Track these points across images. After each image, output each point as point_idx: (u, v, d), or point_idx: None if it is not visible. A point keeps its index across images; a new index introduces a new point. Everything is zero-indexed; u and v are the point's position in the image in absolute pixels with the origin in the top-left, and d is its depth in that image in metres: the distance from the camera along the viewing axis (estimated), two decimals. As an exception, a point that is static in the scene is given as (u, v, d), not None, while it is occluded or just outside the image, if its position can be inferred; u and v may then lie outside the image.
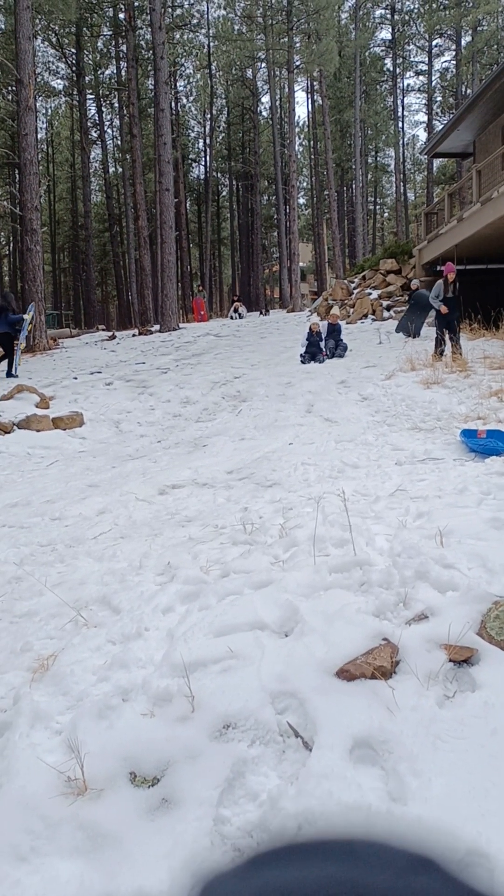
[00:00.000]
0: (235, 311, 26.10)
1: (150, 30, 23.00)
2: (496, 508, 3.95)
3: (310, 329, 13.24)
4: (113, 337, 22.40)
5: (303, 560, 3.42)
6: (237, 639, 2.62)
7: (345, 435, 7.33)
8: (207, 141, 43.01)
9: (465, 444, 6.00)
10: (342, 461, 6.05)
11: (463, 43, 37.49)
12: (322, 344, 12.86)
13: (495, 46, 38.63)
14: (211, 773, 2.01)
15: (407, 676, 2.31)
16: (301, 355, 13.09)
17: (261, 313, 27.47)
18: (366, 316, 18.89)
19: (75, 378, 12.74)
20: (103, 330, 28.08)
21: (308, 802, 1.87)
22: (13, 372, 12.82)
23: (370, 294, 19.58)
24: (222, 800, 1.96)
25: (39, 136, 39.47)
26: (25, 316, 13.23)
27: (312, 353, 12.89)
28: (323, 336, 13.01)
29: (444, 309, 11.13)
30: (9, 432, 8.55)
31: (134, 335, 21.91)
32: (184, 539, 4.26)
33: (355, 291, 20.64)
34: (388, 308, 18.75)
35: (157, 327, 22.45)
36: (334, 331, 13.46)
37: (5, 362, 12.93)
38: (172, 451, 7.74)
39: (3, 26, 30.82)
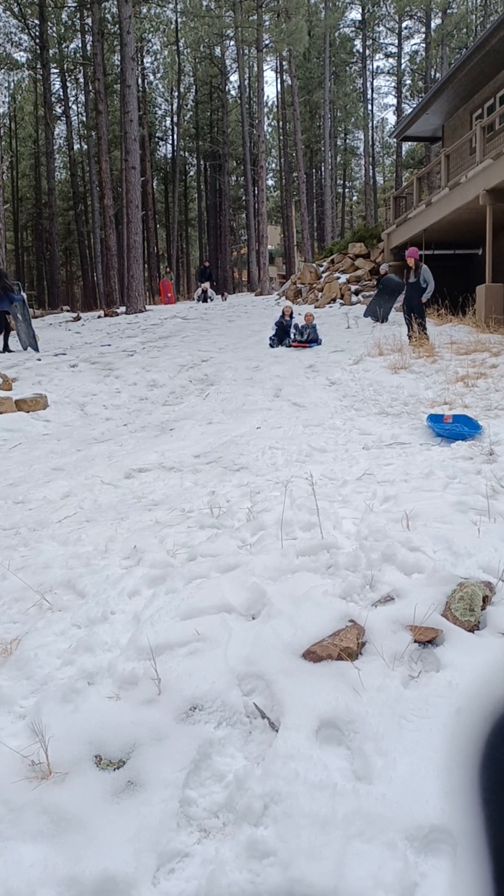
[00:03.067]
0: (204, 293, 25.82)
1: (116, 3, 22.46)
2: (461, 492, 4.00)
3: (282, 312, 13.26)
4: (78, 318, 22.04)
5: (270, 543, 3.42)
6: (204, 622, 2.62)
7: (313, 419, 7.35)
8: (175, 119, 42.35)
9: (432, 428, 6.06)
10: (310, 445, 6.07)
11: (433, 26, 37.37)
12: (292, 331, 12.73)
13: (465, 30, 38.63)
14: (177, 755, 2.01)
15: (373, 657, 2.34)
16: (270, 338, 13.06)
17: (223, 297, 27.11)
18: (334, 300, 18.89)
19: (39, 360, 12.52)
20: (68, 311, 27.58)
21: (274, 783, 1.88)
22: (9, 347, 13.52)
23: (339, 278, 19.57)
24: (188, 781, 1.97)
25: (1, 110, 38.51)
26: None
27: (281, 337, 12.87)
28: (292, 328, 12.88)
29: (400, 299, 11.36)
30: (-29, 414, 8.38)
31: (99, 317, 21.58)
32: (150, 523, 4.23)
33: (324, 275, 20.61)
34: (357, 292, 18.77)
35: (123, 309, 22.14)
36: (307, 327, 12.90)
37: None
38: (139, 435, 7.68)
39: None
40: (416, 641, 2.39)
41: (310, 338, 12.40)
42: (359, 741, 2.01)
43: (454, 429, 5.86)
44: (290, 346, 12.48)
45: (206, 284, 26.39)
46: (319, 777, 1.88)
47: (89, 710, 2.20)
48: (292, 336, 12.60)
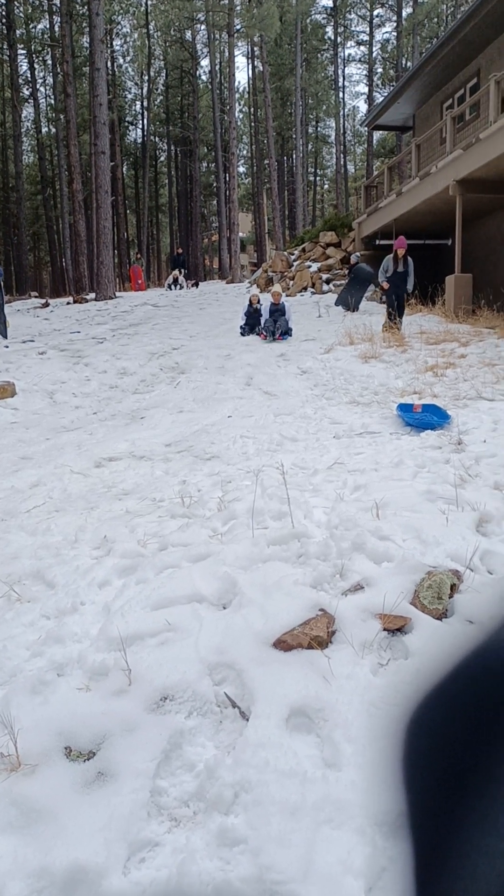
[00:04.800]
0: (175, 280, 25.60)
1: (84, -17, 22.03)
2: (430, 481, 4.04)
3: (249, 301, 13.16)
4: (46, 304, 21.74)
5: (241, 533, 3.43)
6: (175, 612, 2.62)
7: (284, 408, 7.36)
8: (145, 103, 41.81)
9: (402, 418, 6.12)
10: (281, 434, 6.08)
11: (404, 14, 37.38)
12: (262, 319, 12.52)
13: (435, 19, 38.72)
14: (148, 746, 2.01)
15: (343, 646, 2.36)
16: (241, 327, 13.00)
17: (195, 285, 26.83)
18: (305, 289, 18.90)
19: (7, 346, 12.33)
20: (36, 297, 27.17)
21: (245, 771, 1.89)
22: None
23: (310, 267, 19.57)
24: (159, 771, 1.97)
25: (-33, 90, 37.58)
26: None
27: (252, 325, 12.82)
28: (263, 314, 12.59)
29: (384, 285, 11.26)
30: None
31: (68, 303, 21.30)
32: (121, 512, 4.21)
33: (295, 263, 20.59)
34: (328, 281, 18.80)
35: (92, 295, 21.87)
36: (276, 310, 12.18)
37: None
38: (109, 423, 7.61)
39: None
40: (385, 630, 2.42)
41: (282, 330, 11.99)
42: (328, 729, 2.03)
43: (423, 418, 5.93)
44: (260, 336, 12.30)
45: (177, 272, 26.19)
46: (289, 765, 1.90)
47: (59, 701, 2.19)
48: (263, 324, 12.28)
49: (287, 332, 12.00)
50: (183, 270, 26.78)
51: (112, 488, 4.92)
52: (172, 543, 3.43)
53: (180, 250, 29.81)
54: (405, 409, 6.32)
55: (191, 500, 4.22)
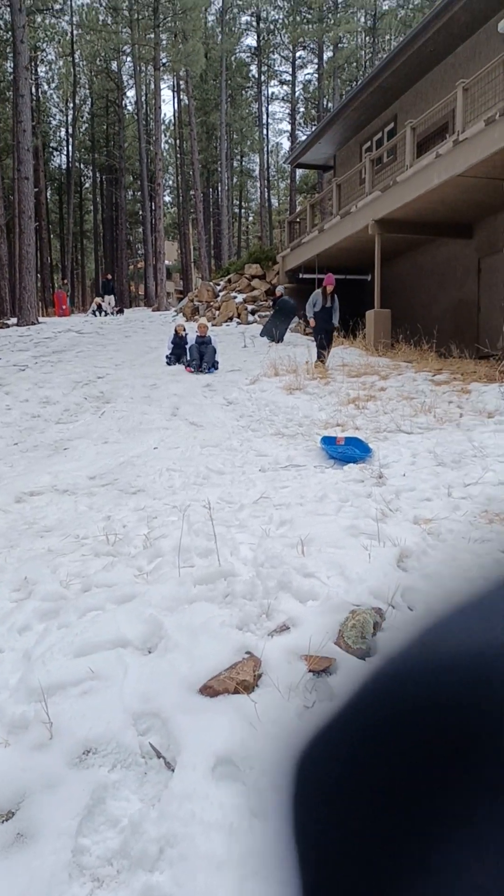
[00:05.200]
0: (98, 307, 25.38)
1: (9, 10, 21.89)
2: (353, 516, 4.13)
3: (175, 331, 13.20)
4: (-35, 330, 21.11)
5: (167, 572, 3.40)
6: (99, 658, 2.56)
7: (210, 440, 7.38)
8: (70, 130, 41.64)
9: (325, 450, 6.24)
10: (207, 467, 6.09)
11: (325, 57, 38.91)
12: (188, 348, 12.53)
13: (355, 64, 40.47)
14: (70, 802, 1.95)
15: (269, 689, 2.36)
16: (167, 356, 13.01)
17: (120, 311, 26.60)
18: (231, 319, 19.12)
19: None
20: (-46, 321, 26.35)
21: (170, 825, 1.86)
22: None
23: (235, 298, 19.84)
24: (81, 829, 1.91)
25: None
26: None
27: (178, 354, 12.84)
28: (188, 343, 12.59)
29: (312, 321, 11.47)
30: None
31: (-11, 328, 20.78)
32: (43, 551, 4.09)
33: (221, 294, 20.83)
34: (253, 312, 19.10)
35: (14, 321, 21.41)
36: (203, 342, 12.17)
37: None
38: (30, 455, 7.44)
39: None
40: (310, 671, 2.44)
41: (209, 363, 11.96)
42: (254, 777, 2.02)
43: (346, 451, 6.06)
44: (186, 369, 12.22)
45: (102, 298, 25.98)
46: (215, 816, 1.87)
47: (-25, 759, 2.09)
48: (189, 357, 12.22)
49: (213, 366, 12.01)
50: (112, 296, 26.61)
51: (33, 525, 4.79)
52: (96, 584, 3.36)
53: (109, 276, 29.60)
54: (329, 441, 6.45)
55: (116, 538, 4.16)
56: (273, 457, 6.37)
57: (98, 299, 26.25)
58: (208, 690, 2.32)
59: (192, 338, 12.47)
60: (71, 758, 2.09)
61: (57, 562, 3.82)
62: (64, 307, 27.38)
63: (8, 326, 20.49)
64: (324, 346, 11.49)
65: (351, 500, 4.56)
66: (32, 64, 34.63)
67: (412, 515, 4.13)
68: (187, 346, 12.59)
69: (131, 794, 2.01)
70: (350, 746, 0.37)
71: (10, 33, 24.31)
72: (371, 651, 2.58)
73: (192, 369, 11.83)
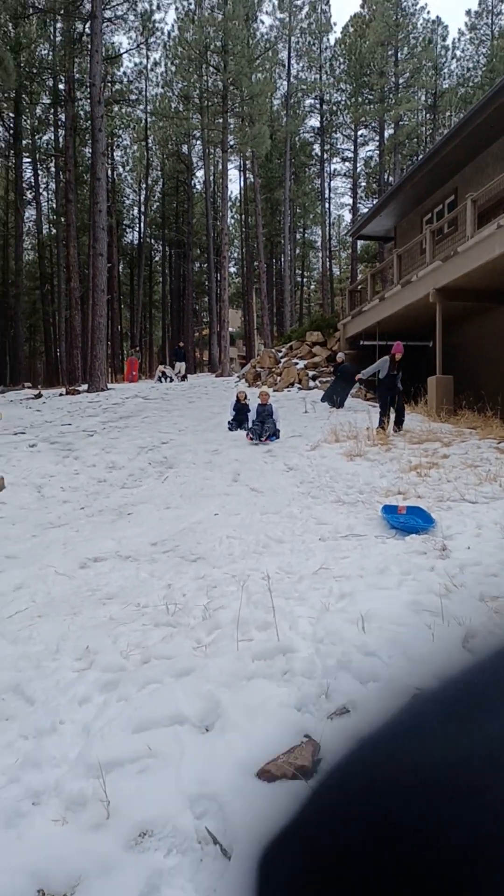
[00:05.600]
0: (163, 374, 26.21)
1: (89, 102, 23.66)
2: (415, 591, 4.04)
3: (237, 397, 13.44)
4: (39, 395, 22.03)
5: (226, 645, 3.38)
6: (156, 735, 2.55)
7: (270, 506, 7.39)
8: (142, 209, 44.03)
9: (387, 520, 6.15)
10: (267, 535, 6.08)
11: (386, 135, 40.26)
12: (249, 416, 12.63)
13: (415, 140, 41.66)
14: (124, 888, 1.92)
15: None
16: (229, 423, 13.22)
17: (183, 378, 27.24)
18: (292, 385, 19.36)
19: (-3, 439, 12.44)
20: (29, 388, 27.60)
21: (225, 919, 1.81)
22: None
23: (297, 364, 20.14)
24: (136, 918, 1.87)
25: (-28, 193, 39.50)
26: None
27: (239, 420, 13.04)
28: (250, 411, 12.66)
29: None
30: None
31: (61, 394, 21.63)
32: (104, 619, 4.15)
33: (282, 360, 21.19)
34: (314, 378, 19.30)
35: (85, 387, 22.27)
36: (264, 411, 11.90)
37: None
38: (96, 520, 7.60)
39: None
40: (371, 757, 2.36)
41: (269, 432, 11.64)
42: (313, 869, 1.95)
43: (408, 521, 5.97)
44: (248, 437, 11.96)
45: (166, 365, 26.77)
46: (272, 911, 1.81)
47: (34, 836, 2.09)
48: (250, 426, 12.04)
49: (274, 434, 11.80)
50: (183, 363, 27.36)
51: (96, 591, 4.87)
52: (156, 656, 3.38)
53: (181, 343, 30.35)
54: (390, 510, 6.37)
55: (175, 607, 4.18)
56: (333, 525, 6.32)
57: (161, 367, 27.08)
58: (266, 775, 2.27)
59: (253, 406, 12.39)
60: (127, 840, 2.07)
61: (118, 631, 3.85)
62: (134, 373, 28.30)
63: (79, 393, 21.30)
64: (386, 411, 11.44)
65: (413, 574, 4.46)
66: (109, 149, 37.07)
67: (478, 592, 4.00)
68: (249, 414, 12.75)
69: (186, 883, 1.97)
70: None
71: (89, 122, 26.21)
72: (434, 738, 2.49)
73: (253, 438, 11.62)
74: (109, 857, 1.99)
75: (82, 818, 2.16)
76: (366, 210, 22.50)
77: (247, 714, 2.59)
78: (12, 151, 34.39)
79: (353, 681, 2.82)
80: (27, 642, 3.83)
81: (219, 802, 2.17)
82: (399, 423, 11.37)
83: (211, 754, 2.39)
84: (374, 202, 20.88)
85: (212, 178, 39.11)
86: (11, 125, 33.95)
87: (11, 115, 33.67)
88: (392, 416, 11.43)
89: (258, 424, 11.73)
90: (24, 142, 34.76)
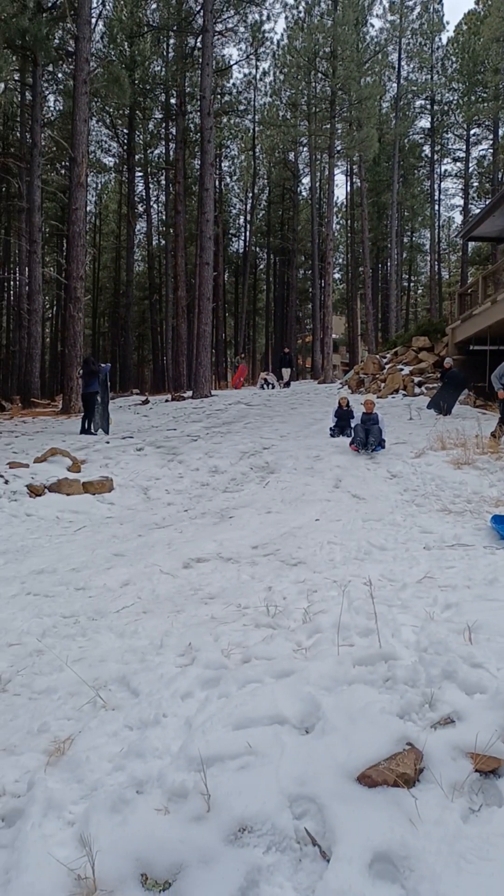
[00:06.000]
0: (266, 381, 26.46)
1: (199, 114, 24.32)
2: (526, 603, 3.86)
3: (339, 403, 13.34)
4: (146, 401, 22.82)
5: (326, 649, 3.36)
6: (256, 733, 2.56)
7: (372, 513, 7.28)
8: (248, 218, 44.76)
9: (497, 530, 5.91)
10: (369, 542, 5.99)
11: (500, 132, 38.88)
12: (353, 426, 12.41)
13: (532, 137, 40.03)
14: (224, 881, 1.94)
15: (431, 786, 2.23)
16: (331, 429, 13.14)
17: (285, 384, 27.19)
18: (397, 391, 19.03)
19: (108, 442, 12.95)
20: (137, 394, 28.64)
21: (324, 922, 1.79)
22: (92, 429, 14.46)
23: (402, 370, 19.77)
24: (236, 910, 1.89)
25: (88, 208, 41.52)
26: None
27: (342, 427, 12.93)
28: (353, 417, 12.40)
29: (501, 394, 11.00)
30: (40, 495, 8.67)
31: (167, 400, 22.31)
32: (206, 618, 4.22)
33: (387, 366, 20.86)
34: (420, 384, 18.88)
35: (189, 393, 22.84)
36: (369, 419, 11.28)
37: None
38: (198, 522, 7.75)
39: (62, 108, 32.89)
40: (476, 771, 2.28)
41: (375, 442, 10.92)
42: (414, 880, 1.90)
43: (520, 532, 5.72)
44: (351, 446, 11.40)
45: (268, 373, 26.97)
46: (372, 919, 1.78)
47: (138, 822, 2.16)
48: (354, 436, 11.43)
49: (380, 444, 11.14)
50: (289, 369, 27.41)
51: (198, 591, 4.97)
52: (256, 656, 3.40)
53: (287, 349, 30.32)
54: (500, 521, 6.12)
55: (276, 610, 4.20)
56: (439, 534, 6.14)
57: (264, 374, 27.30)
58: (366, 780, 2.24)
59: (358, 415, 11.91)
60: (227, 834, 2.09)
61: (219, 630, 3.91)
62: (240, 379, 28.69)
63: (184, 399, 21.88)
64: None
65: (524, 586, 4.27)
66: (217, 160, 37.95)
67: None
68: (352, 421, 12.57)
69: (285, 881, 1.97)
70: None
71: (199, 134, 26.94)
72: (545, 757, 2.36)
73: (357, 447, 11.12)
74: (210, 849, 2.02)
75: (183, 809, 2.21)
76: (478, 211, 21.74)
77: (347, 718, 2.56)
78: (125, 166, 35.90)
79: (459, 691, 2.73)
80: (133, 636, 3.96)
81: (318, 804, 2.16)
82: None
83: (310, 756, 2.38)
84: (487, 203, 20.15)
85: (318, 184, 39.13)
86: (125, 141, 35.45)
87: (125, 130, 35.18)
88: None
89: (363, 431, 11.22)
90: (136, 156, 36.19)
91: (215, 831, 2.08)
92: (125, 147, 35.94)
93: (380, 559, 5.47)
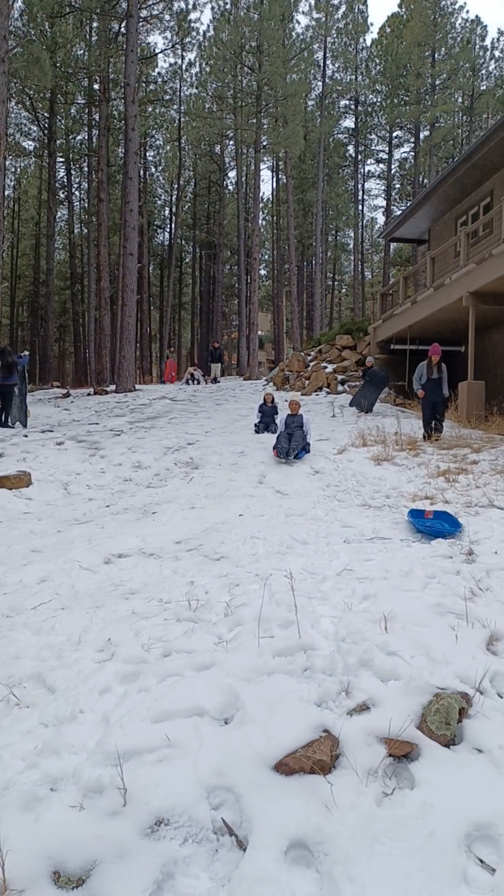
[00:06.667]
0: (192, 375, 26.34)
1: (123, 102, 23.90)
2: (440, 593, 4.00)
3: (264, 399, 13.44)
4: (67, 395, 22.28)
5: (247, 641, 3.38)
6: (175, 726, 2.56)
7: (295, 508, 7.38)
8: (174, 209, 44.29)
9: (413, 524, 6.10)
10: (291, 536, 6.07)
11: (421, 136, 39.97)
12: (276, 419, 12.41)
13: (451, 142, 41.32)
14: (139, 875, 1.93)
15: (346, 771, 2.28)
16: (255, 425, 13.22)
17: (213, 380, 27.07)
18: (320, 389, 19.31)
19: (26, 436, 12.58)
20: (58, 387, 27.90)
21: (239, 910, 1.80)
22: (9, 423, 13.86)
23: (325, 368, 20.08)
24: (150, 904, 1.88)
25: (6, 192, 40.09)
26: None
27: (266, 423, 13.03)
28: (278, 418, 12.29)
29: (420, 392, 11.19)
30: (-47, 489, 8.33)
31: (89, 394, 21.84)
32: (127, 613, 4.17)
33: (311, 364, 21.14)
34: (343, 382, 19.23)
35: (112, 387, 22.46)
36: (293, 422, 10.58)
37: None
38: (121, 517, 7.65)
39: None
40: (390, 755, 2.35)
41: (297, 448, 10.18)
42: (329, 864, 1.94)
43: (435, 526, 5.91)
44: (274, 452, 10.40)
45: (193, 368, 26.84)
46: (286, 905, 1.81)
47: (51, 820, 2.11)
48: (276, 441, 10.52)
49: (304, 449, 10.35)
50: (219, 364, 27.18)
51: (119, 587, 4.90)
52: (177, 650, 3.39)
53: (216, 344, 29.94)
54: (416, 514, 6.32)
55: (197, 604, 4.19)
56: (358, 528, 6.28)
57: (191, 369, 27.15)
58: (283, 768, 2.27)
59: (281, 419, 11.07)
60: (143, 828, 2.08)
61: (140, 625, 3.87)
62: (172, 374, 28.36)
63: (107, 393, 21.50)
64: (430, 421, 11.15)
65: (438, 577, 4.42)
66: (142, 149, 37.41)
67: None
68: (276, 417, 12.67)
69: (201, 872, 1.97)
70: None
71: (123, 122, 26.49)
72: (456, 739, 2.46)
73: (280, 454, 10.15)
74: (125, 843, 2.00)
75: (99, 805, 2.17)
76: (400, 213, 22.32)
77: (266, 708, 2.59)
78: (46, 151, 34.87)
79: (374, 679, 2.80)
80: (50, 633, 3.87)
81: (235, 794, 2.17)
82: (437, 428, 11.13)
83: (229, 746, 2.39)
84: (409, 205, 20.70)
85: (244, 178, 39.20)
86: (46, 125, 34.44)
87: (46, 115, 34.17)
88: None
89: (286, 438, 10.40)
90: (58, 142, 35.20)
91: (131, 825, 2.06)
92: (46, 131, 34.89)
93: (301, 553, 5.55)
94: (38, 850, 2.00)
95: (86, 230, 39.07)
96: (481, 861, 1.97)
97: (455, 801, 2.14)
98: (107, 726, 2.65)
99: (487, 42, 44.12)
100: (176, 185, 42.88)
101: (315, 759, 2.28)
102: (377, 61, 40.52)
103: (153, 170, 44.64)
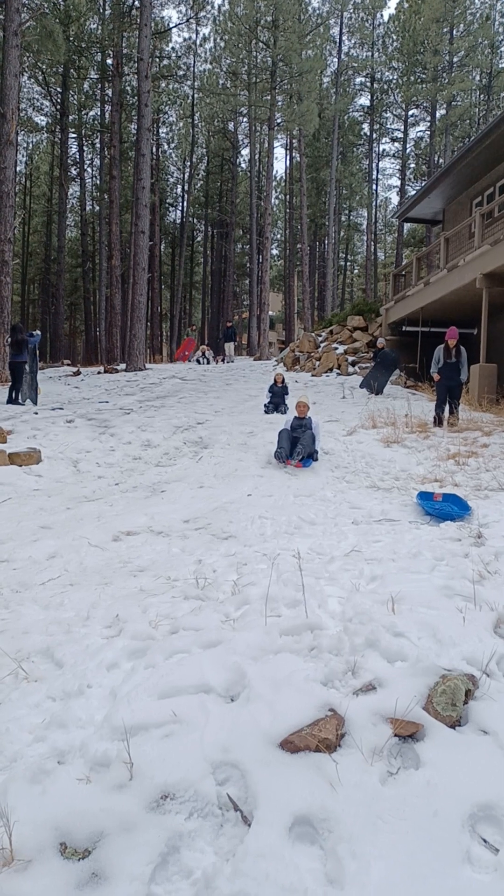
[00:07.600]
0: (203, 354, 26.26)
1: (136, 77, 23.60)
2: (448, 576, 3.99)
3: (274, 380, 13.39)
4: (78, 373, 22.28)
5: (254, 620, 3.39)
6: (182, 702, 2.57)
7: (303, 489, 7.37)
8: (186, 187, 43.92)
9: (422, 506, 6.08)
10: (299, 517, 6.06)
11: (437, 115, 39.35)
12: (287, 399, 12.40)
13: (468, 121, 40.65)
14: (145, 847, 1.95)
15: (351, 750, 2.29)
16: (265, 405, 13.19)
17: (223, 360, 26.93)
18: (331, 370, 19.21)
19: (36, 413, 12.60)
20: (68, 365, 27.89)
21: (243, 883, 1.82)
22: (20, 399, 13.97)
23: (336, 349, 19.96)
24: (155, 876, 1.90)
25: (18, 168, 39.84)
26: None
27: (276, 403, 13.00)
28: (287, 394, 12.17)
29: (436, 376, 10.96)
30: (-37, 465, 8.37)
31: (99, 372, 21.84)
32: (135, 590, 4.19)
33: (322, 345, 21.02)
34: (353, 363, 19.12)
35: (123, 366, 22.43)
36: (300, 426, 9.05)
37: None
38: (130, 496, 7.66)
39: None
40: (396, 735, 2.35)
41: (303, 453, 8.52)
42: (333, 841, 1.95)
43: (444, 508, 5.89)
44: (276, 457, 8.82)
45: (205, 347, 26.74)
46: (290, 879, 1.82)
47: (58, 792, 2.13)
48: (276, 447, 8.85)
49: (311, 456, 8.66)
50: (232, 343, 26.98)
51: (128, 564, 4.92)
52: (184, 627, 3.40)
53: (230, 323, 29.67)
54: (425, 497, 6.29)
55: (205, 582, 4.20)
56: (367, 510, 6.27)
57: (203, 347, 27.05)
58: (289, 746, 2.28)
59: (288, 420, 9.40)
60: (149, 801, 2.09)
61: (147, 602, 3.89)
62: (186, 352, 28.24)
63: (117, 371, 21.48)
64: (442, 404, 10.90)
65: (446, 560, 4.41)
66: (154, 125, 36.99)
67: (512, 579, 3.94)
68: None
69: (206, 846, 1.99)
70: None
71: (136, 98, 26.18)
72: (462, 720, 2.46)
73: (280, 459, 8.67)
74: (131, 816, 2.02)
75: (106, 778, 2.19)
76: (414, 192, 22.03)
77: (272, 686, 2.59)
78: (58, 127, 34.57)
79: (381, 659, 2.80)
80: (59, 608, 3.90)
81: (241, 770, 2.19)
82: (452, 412, 10.90)
83: (235, 723, 2.40)
84: (424, 184, 20.43)
85: (257, 156, 38.72)
86: (59, 100, 34.10)
87: (59, 89, 33.82)
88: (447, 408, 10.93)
89: (287, 439, 8.88)
90: (70, 117, 34.88)
91: (137, 799, 2.08)
92: (58, 107, 34.56)
93: (309, 533, 5.55)
94: (45, 821, 2.02)
95: (97, 207, 38.81)
96: (485, 841, 1.98)
97: (459, 781, 2.14)
98: (114, 701, 2.67)
99: (508, 18, 43.10)
100: (188, 163, 42.50)
101: (321, 737, 2.29)
102: (394, 37, 39.73)
103: (166, 147, 44.21)
